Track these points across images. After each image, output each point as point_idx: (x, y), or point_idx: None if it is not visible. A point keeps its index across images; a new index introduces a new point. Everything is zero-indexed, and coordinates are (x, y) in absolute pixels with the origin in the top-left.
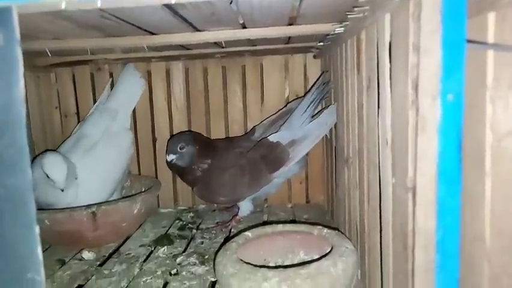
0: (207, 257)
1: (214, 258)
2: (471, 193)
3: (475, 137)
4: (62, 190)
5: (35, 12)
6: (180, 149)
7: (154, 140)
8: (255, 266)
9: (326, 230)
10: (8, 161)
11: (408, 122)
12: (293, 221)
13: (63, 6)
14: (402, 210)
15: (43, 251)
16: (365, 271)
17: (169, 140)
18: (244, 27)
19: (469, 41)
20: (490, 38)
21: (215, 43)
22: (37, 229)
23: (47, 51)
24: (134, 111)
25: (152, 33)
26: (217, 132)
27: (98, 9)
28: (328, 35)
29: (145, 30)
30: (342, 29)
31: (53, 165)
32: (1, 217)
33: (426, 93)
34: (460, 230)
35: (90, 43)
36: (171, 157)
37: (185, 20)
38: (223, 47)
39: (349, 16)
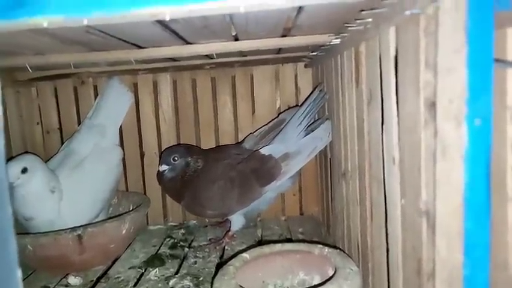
0: (201, 278)
1: (211, 283)
2: (492, 219)
3: (495, 159)
4: (13, 185)
5: (15, 30)
6: (174, 160)
7: (142, 155)
8: None
9: (327, 249)
10: None
11: (421, 142)
12: (289, 239)
13: (45, 24)
14: (414, 233)
15: (26, 277)
16: None
17: (163, 151)
18: (236, 39)
19: (496, 60)
20: (510, 55)
21: (205, 55)
22: (19, 273)
23: (28, 67)
24: (120, 125)
25: (140, 47)
26: (207, 145)
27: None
28: (322, 45)
29: (132, 44)
30: (339, 40)
31: (11, 161)
32: None
33: (447, 116)
34: None
35: (73, 58)
36: (164, 167)
37: (175, 33)
38: (212, 58)
39: (349, 28)
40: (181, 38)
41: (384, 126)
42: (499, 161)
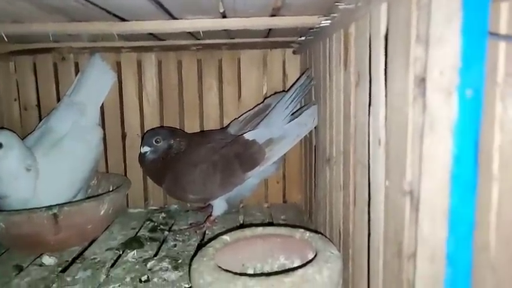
0: (180, 261)
1: (190, 264)
2: (476, 198)
3: (481, 137)
4: None
5: None
6: (156, 142)
7: (124, 136)
8: (235, 273)
9: (308, 233)
10: None
11: (408, 121)
12: (271, 223)
13: None
14: (397, 215)
15: None
16: (349, 277)
17: (145, 132)
18: (224, 16)
19: (490, 33)
20: (502, 29)
21: (191, 34)
22: None
23: (3, 35)
24: (102, 104)
25: (123, 19)
26: (191, 129)
27: None
28: (311, 28)
29: (115, 16)
30: (328, 21)
31: None
32: None
33: (438, 89)
34: None
35: (53, 28)
36: (145, 149)
37: (160, 4)
38: (199, 39)
39: (339, 7)
40: (167, 11)
41: (371, 107)
42: (486, 139)
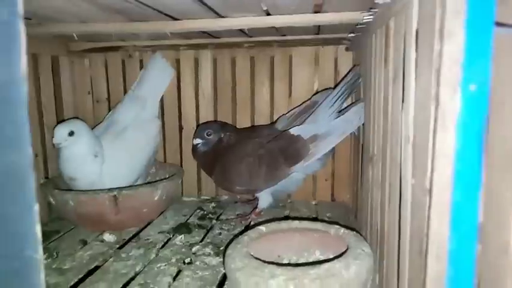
0: (222, 248)
1: (224, 251)
2: (499, 200)
3: (506, 137)
4: (54, 146)
5: None
6: (207, 135)
7: (181, 128)
8: (264, 262)
9: (343, 230)
10: (8, 137)
11: (430, 117)
12: (315, 219)
13: None
14: (420, 214)
15: (68, 231)
16: (383, 276)
17: (198, 125)
18: (268, 14)
19: (500, 24)
20: None
21: (242, 31)
22: (36, 207)
23: (74, 35)
24: (162, 98)
25: (175, 19)
26: (243, 124)
27: None
28: (358, 24)
29: (167, 15)
30: (371, 17)
31: (60, 124)
32: (1, 194)
33: (447, 83)
34: (485, 240)
35: (114, 27)
36: (197, 141)
37: (205, 4)
38: (251, 36)
39: (376, 1)
40: (212, 10)
41: (403, 104)
42: (507, 138)
